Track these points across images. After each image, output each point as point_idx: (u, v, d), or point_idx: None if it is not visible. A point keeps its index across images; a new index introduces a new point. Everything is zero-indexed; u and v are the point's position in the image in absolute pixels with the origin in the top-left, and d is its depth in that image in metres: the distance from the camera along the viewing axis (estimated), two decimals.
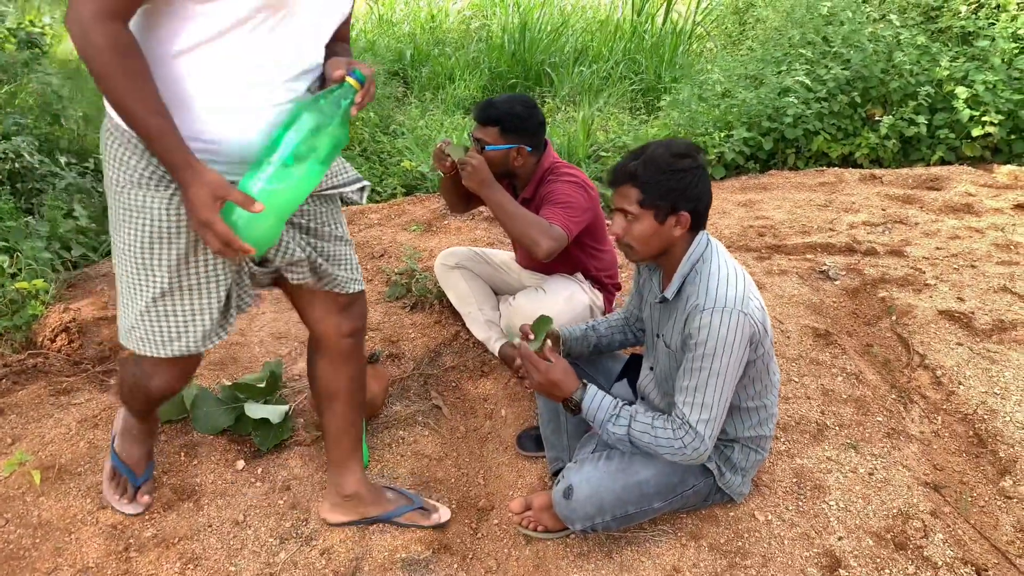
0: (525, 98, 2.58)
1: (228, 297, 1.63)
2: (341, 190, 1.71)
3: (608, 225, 2.43)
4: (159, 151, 1.37)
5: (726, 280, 1.79)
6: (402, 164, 5.07)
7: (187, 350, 1.63)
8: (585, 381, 1.83)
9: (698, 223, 1.86)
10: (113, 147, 1.47)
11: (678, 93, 5.61)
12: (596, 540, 2.05)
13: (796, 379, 2.76)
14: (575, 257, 2.71)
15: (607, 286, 2.84)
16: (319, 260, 1.70)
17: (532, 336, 1.88)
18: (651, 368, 2.05)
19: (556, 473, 2.26)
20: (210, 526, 2.10)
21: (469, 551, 2.08)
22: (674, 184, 1.78)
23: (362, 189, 1.77)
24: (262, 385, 2.50)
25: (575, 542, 2.05)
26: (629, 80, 6.93)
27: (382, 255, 3.71)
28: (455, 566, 2.01)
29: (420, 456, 2.41)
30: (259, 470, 2.31)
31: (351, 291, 1.81)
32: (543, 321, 1.90)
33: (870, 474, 2.31)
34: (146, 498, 2.13)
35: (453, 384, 2.79)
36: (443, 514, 2.19)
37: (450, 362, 2.89)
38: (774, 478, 2.29)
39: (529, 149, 2.57)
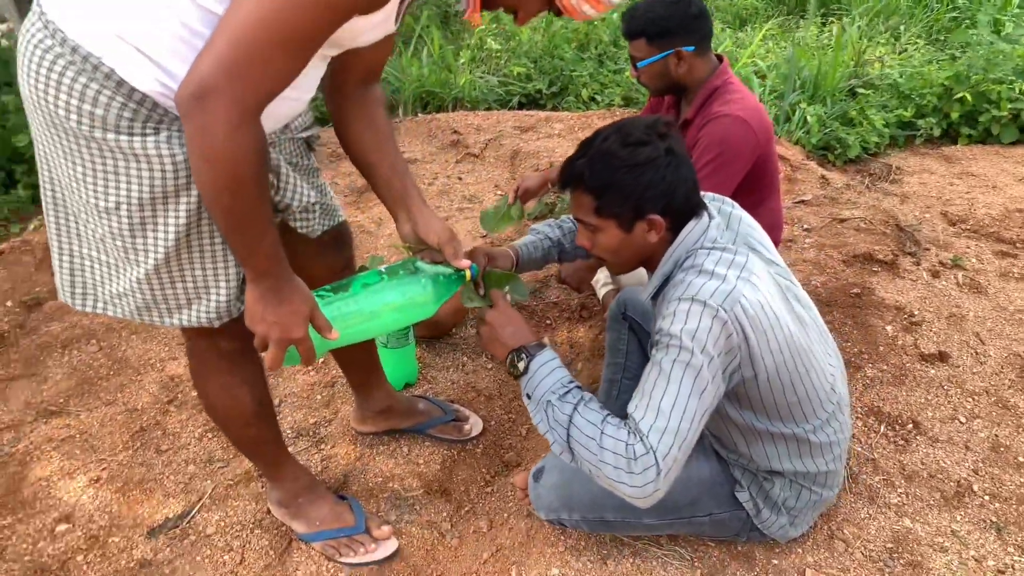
0: None
1: None
2: (307, 133, 1.53)
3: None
4: (261, 260, 1.20)
5: (711, 274, 1.38)
6: (627, 75, 4.70)
7: (205, 319, 1.35)
8: (547, 339, 1.51)
9: (680, 219, 1.45)
10: (68, 76, 1.10)
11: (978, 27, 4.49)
12: (598, 539, 1.78)
13: (962, 419, 2.14)
14: None
15: None
16: (316, 194, 1.55)
17: (481, 287, 1.57)
18: None
19: None
20: None
21: (467, 503, 1.92)
22: (632, 184, 1.38)
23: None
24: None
25: (575, 532, 1.79)
26: (950, 3, 5.70)
27: (549, 167, 3.47)
28: (443, 514, 1.87)
29: (471, 389, 2.26)
30: (319, 362, 2.32)
31: (338, 221, 1.66)
32: (501, 277, 1.58)
33: (1000, 572, 1.73)
34: (385, 528, 1.77)
35: (548, 322, 2.56)
36: (475, 426, 2.08)
37: (554, 296, 2.65)
38: (861, 535, 1.81)
39: (691, 48, 2.15)
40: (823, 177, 3.54)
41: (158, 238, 1.24)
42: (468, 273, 1.48)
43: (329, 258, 1.68)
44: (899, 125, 4.17)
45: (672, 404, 1.32)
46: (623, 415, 1.97)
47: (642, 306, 2.02)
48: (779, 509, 1.64)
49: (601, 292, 2.53)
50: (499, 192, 3.45)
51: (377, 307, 1.39)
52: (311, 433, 2.06)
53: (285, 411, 2.13)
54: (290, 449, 2.00)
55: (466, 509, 1.90)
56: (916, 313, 2.53)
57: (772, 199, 2.36)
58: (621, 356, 2.04)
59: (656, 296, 1.53)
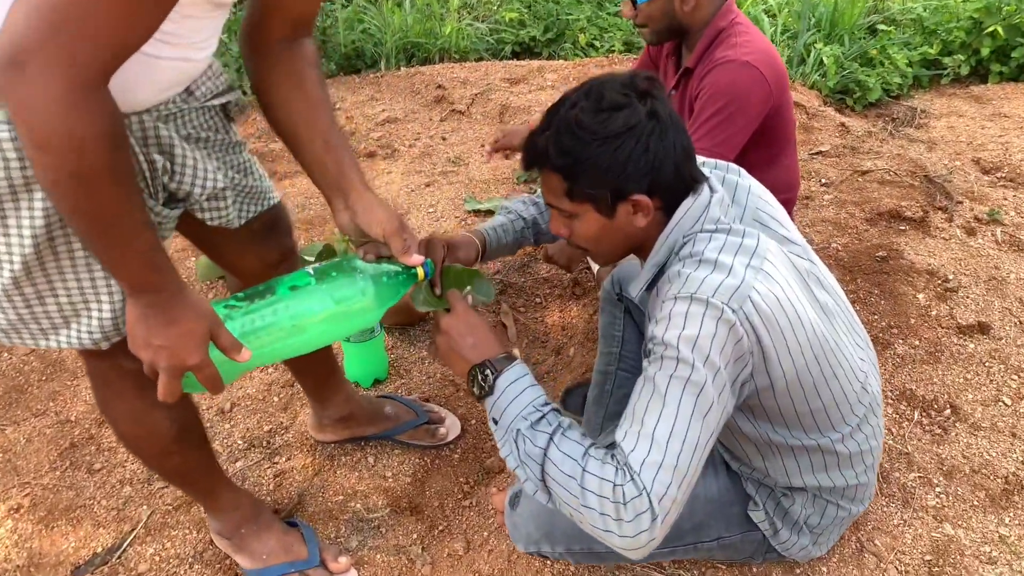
0: None
1: None
2: (222, 99, 1.23)
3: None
4: (134, 270, 0.94)
5: (713, 264, 1.11)
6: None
7: (89, 339, 1.10)
8: (516, 351, 1.25)
9: (673, 197, 1.18)
10: None
11: None
12: (589, 564, 1.54)
13: (1006, 401, 1.87)
14: None
15: None
16: (233, 175, 1.28)
17: (438, 287, 1.31)
18: None
19: None
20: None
21: (442, 520, 1.67)
22: (608, 159, 1.10)
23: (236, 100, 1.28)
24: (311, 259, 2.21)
25: None
26: None
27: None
28: (414, 536, 1.63)
29: (449, 383, 2.01)
30: None
31: (270, 203, 1.38)
32: (462, 275, 1.32)
33: None
34: (342, 560, 1.53)
35: (537, 300, 2.30)
36: (451, 429, 1.84)
37: (544, 272, 2.38)
38: (896, 546, 1.56)
39: None
40: (842, 124, 3.21)
41: (11, 244, 0.99)
42: (420, 272, 1.21)
43: (260, 250, 1.41)
44: (923, 64, 3.83)
45: (669, 431, 1.05)
46: (620, 416, 1.73)
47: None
48: (800, 528, 1.39)
49: (596, 266, 2.26)
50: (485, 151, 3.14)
51: (300, 319, 1.12)
52: (264, 443, 1.82)
53: (237, 417, 1.89)
54: (240, 464, 1.77)
55: (440, 528, 1.66)
56: (951, 278, 2.24)
57: (787, 154, 2.07)
58: (616, 344, 1.78)
59: (650, 290, 1.26)
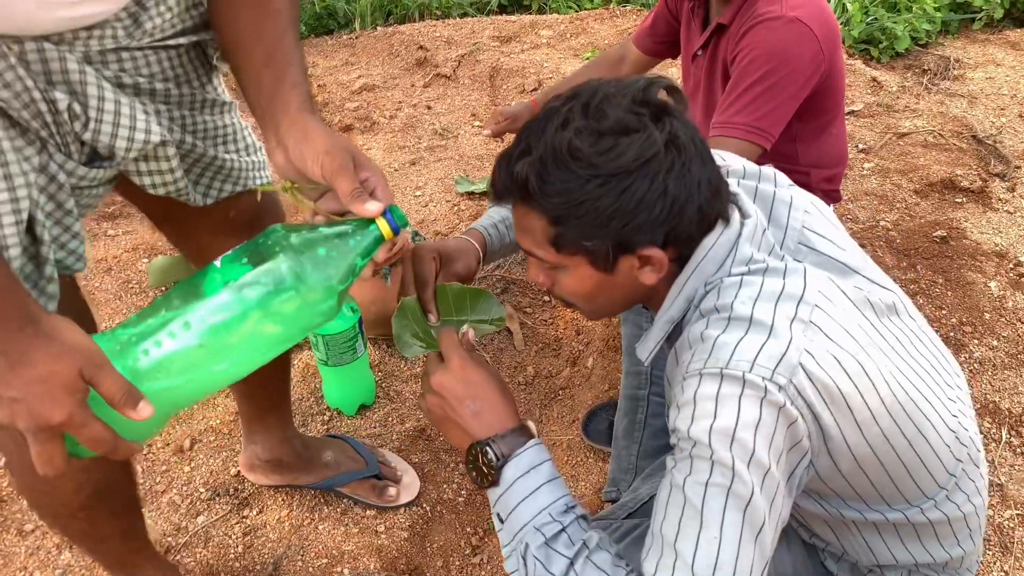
0: None
1: (38, 251, 0.81)
2: (188, 38, 0.89)
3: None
4: None
5: (747, 322, 0.83)
6: None
7: None
8: (531, 424, 0.94)
9: (693, 243, 0.88)
10: None
11: None
12: None
13: None
14: (776, 149, 1.62)
15: (827, 193, 1.76)
16: (194, 142, 0.94)
17: (433, 314, 1.00)
18: None
19: (611, 502, 1.45)
20: (149, 446, 1.61)
21: None
22: (611, 205, 0.81)
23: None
24: None
25: None
26: None
27: (535, 88, 2.82)
28: None
29: None
30: None
31: (249, 185, 1.05)
32: (461, 295, 1.01)
33: None
34: None
35: (545, 299, 1.98)
36: (405, 492, 1.51)
37: None
38: None
39: None
40: (874, 79, 2.89)
41: None
42: (383, 225, 0.79)
43: (233, 242, 1.09)
44: (952, 7, 3.48)
45: (713, 563, 0.78)
46: (658, 452, 1.45)
47: None
48: None
49: None
50: (477, 123, 2.80)
51: (213, 336, 0.75)
52: (232, 490, 1.52)
53: (199, 457, 1.59)
54: (202, 519, 1.49)
55: None
56: None
57: (836, 123, 1.75)
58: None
59: (670, 344, 0.96)
